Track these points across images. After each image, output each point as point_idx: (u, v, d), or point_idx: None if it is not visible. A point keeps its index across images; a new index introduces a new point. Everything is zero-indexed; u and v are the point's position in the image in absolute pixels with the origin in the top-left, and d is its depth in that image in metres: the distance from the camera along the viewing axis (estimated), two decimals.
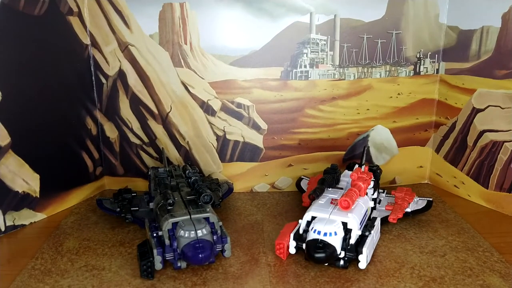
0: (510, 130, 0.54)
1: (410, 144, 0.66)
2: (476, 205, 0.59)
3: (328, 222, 0.43)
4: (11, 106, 0.50)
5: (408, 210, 0.53)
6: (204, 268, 0.44)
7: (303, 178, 0.62)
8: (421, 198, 0.55)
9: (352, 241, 0.43)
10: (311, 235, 0.42)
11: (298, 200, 0.59)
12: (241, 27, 0.58)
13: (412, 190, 0.57)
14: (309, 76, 0.61)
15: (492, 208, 0.58)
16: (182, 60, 0.60)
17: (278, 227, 0.53)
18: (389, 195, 0.56)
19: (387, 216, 0.51)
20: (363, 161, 0.56)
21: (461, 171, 0.62)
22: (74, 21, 0.57)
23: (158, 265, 0.42)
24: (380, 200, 0.55)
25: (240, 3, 0.58)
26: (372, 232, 0.45)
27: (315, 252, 0.41)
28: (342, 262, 0.43)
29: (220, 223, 0.45)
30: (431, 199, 0.55)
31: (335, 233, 0.42)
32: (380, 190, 0.57)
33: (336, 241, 0.42)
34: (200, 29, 0.58)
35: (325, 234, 0.42)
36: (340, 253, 0.42)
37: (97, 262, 0.46)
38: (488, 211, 0.58)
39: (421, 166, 0.67)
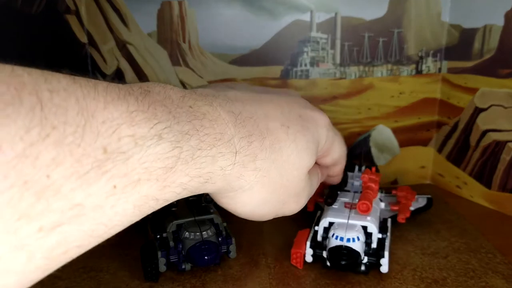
0: None
1: (412, 144, 0.65)
2: (479, 206, 0.59)
3: (349, 228, 0.42)
4: None
5: (412, 208, 0.52)
6: (203, 270, 0.43)
7: None
8: (420, 196, 0.55)
9: (374, 245, 0.42)
10: (333, 242, 0.41)
11: None
12: (241, 26, 0.58)
13: (413, 190, 0.56)
14: (310, 75, 0.60)
15: (495, 209, 0.57)
16: (180, 59, 0.59)
17: (278, 229, 0.53)
18: (388, 194, 0.55)
19: (390, 216, 0.50)
20: (362, 162, 0.55)
21: (464, 171, 0.61)
22: (71, 19, 0.56)
23: (162, 267, 0.42)
24: (380, 200, 0.55)
25: (239, 1, 0.57)
26: (388, 233, 0.44)
27: (341, 259, 0.40)
28: (363, 267, 0.42)
29: (225, 224, 0.45)
30: (430, 197, 0.54)
31: (358, 238, 0.41)
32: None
33: (359, 246, 0.41)
34: (199, 28, 0.58)
35: (348, 240, 0.41)
36: (363, 258, 0.42)
37: (95, 263, 0.45)
38: (491, 212, 0.57)
39: (423, 166, 0.66)
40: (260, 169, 0.26)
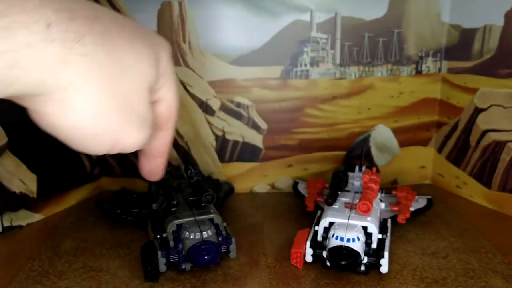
0: None
1: (412, 144, 0.65)
2: (479, 206, 0.59)
3: (349, 228, 0.42)
4: (7, 106, 0.50)
5: (412, 209, 0.52)
6: (203, 270, 0.43)
7: (298, 182, 0.61)
8: (420, 197, 0.55)
9: (374, 245, 0.42)
10: (334, 242, 0.41)
11: (298, 201, 0.58)
12: (241, 26, 0.58)
13: (414, 190, 0.56)
14: (310, 75, 0.60)
15: (495, 209, 0.57)
16: (180, 59, 0.59)
17: (278, 229, 0.53)
18: (389, 195, 0.56)
19: (390, 216, 0.50)
20: (363, 162, 0.55)
21: (464, 171, 0.61)
22: None
23: (162, 267, 0.42)
24: (381, 200, 0.55)
25: (239, 1, 0.57)
26: (388, 234, 0.44)
27: (341, 260, 0.40)
28: (363, 267, 0.42)
29: (225, 224, 0.45)
30: (430, 197, 0.54)
31: (358, 239, 0.41)
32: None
33: (359, 247, 0.41)
34: (199, 28, 0.58)
35: (348, 240, 0.41)
36: (363, 258, 0.42)
37: (95, 263, 0.45)
38: (490, 212, 0.57)
39: (423, 167, 0.66)
40: (93, 57, 0.20)
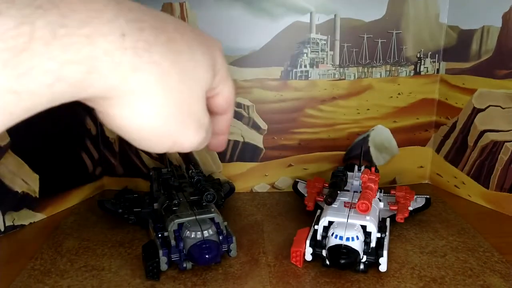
0: (511, 130, 0.54)
1: (411, 144, 0.66)
2: (477, 205, 0.59)
3: (348, 227, 0.42)
4: None
5: (410, 208, 0.53)
6: (204, 268, 0.44)
7: (298, 181, 0.61)
8: (419, 196, 0.55)
9: (373, 244, 0.43)
10: (333, 241, 0.42)
11: (298, 200, 0.58)
12: (241, 27, 0.58)
13: (412, 190, 0.57)
14: (309, 76, 0.61)
15: (493, 208, 0.58)
16: None
17: (278, 228, 0.53)
18: (387, 194, 0.56)
19: (389, 216, 0.51)
20: (362, 162, 0.55)
21: (462, 171, 0.61)
22: None
23: (164, 266, 0.42)
24: (379, 200, 0.55)
25: (240, 2, 0.57)
26: (387, 233, 0.45)
27: (340, 258, 0.40)
28: (362, 266, 0.43)
29: (225, 223, 0.45)
30: (428, 197, 0.55)
31: (357, 238, 0.41)
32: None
33: (358, 246, 0.41)
34: (200, 29, 0.58)
35: (347, 239, 0.41)
36: (362, 257, 0.42)
37: (96, 262, 0.46)
38: (488, 211, 0.57)
39: (421, 166, 0.67)
40: (159, 65, 0.22)
